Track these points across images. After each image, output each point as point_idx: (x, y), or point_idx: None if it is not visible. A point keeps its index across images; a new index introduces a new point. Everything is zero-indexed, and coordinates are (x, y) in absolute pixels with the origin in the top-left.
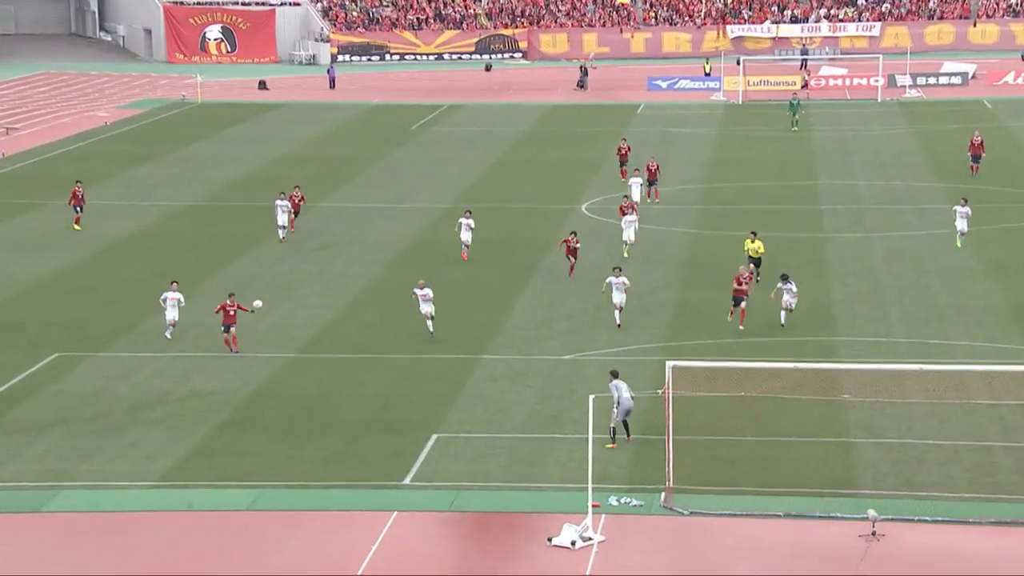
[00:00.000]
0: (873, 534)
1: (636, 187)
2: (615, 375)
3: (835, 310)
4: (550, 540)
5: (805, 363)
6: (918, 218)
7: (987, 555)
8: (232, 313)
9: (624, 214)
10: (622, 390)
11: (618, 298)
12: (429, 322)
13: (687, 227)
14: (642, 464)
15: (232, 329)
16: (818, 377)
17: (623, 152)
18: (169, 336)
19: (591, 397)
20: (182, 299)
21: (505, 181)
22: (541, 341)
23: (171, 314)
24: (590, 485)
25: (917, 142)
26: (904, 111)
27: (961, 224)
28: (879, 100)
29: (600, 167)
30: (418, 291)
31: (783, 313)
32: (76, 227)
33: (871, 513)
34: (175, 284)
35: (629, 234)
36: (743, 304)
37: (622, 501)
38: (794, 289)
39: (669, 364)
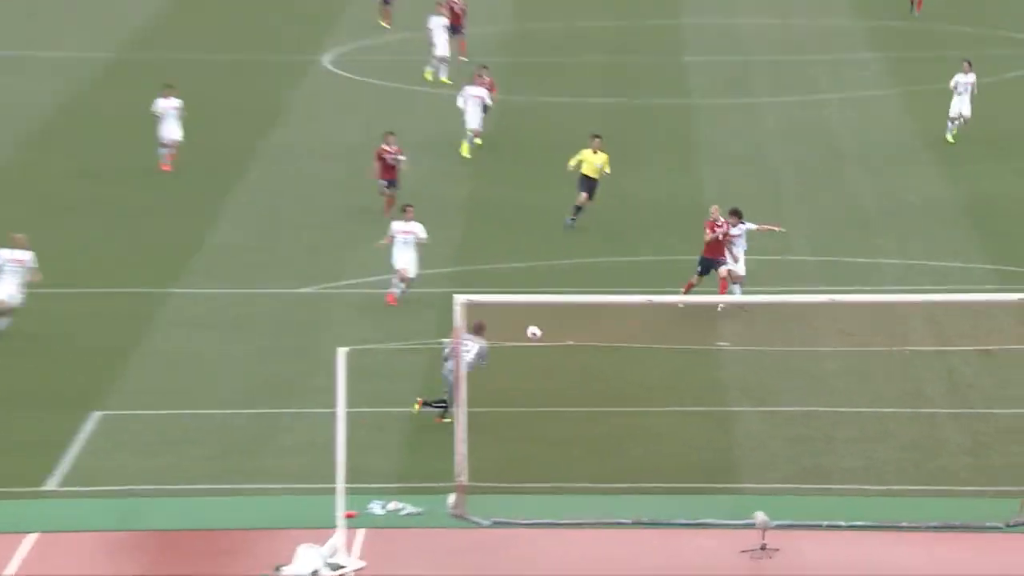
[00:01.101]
0: (762, 548)
1: (440, 32)
2: (478, 329)
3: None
4: (279, 570)
5: (662, 296)
6: (830, 75)
7: (922, 574)
8: None
9: (475, 82)
10: (471, 348)
11: (404, 260)
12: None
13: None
14: (421, 452)
15: None
16: (682, 316)
17: None
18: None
19: (342, 351)
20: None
21: (199, 18)
22: (263, 267)
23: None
24: (341, 485)
25: None
26: None
27: (960, 105)
28: None
29: None
30: (5, 256)
31: (736, 287)
32: None
33: (759, 517)
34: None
35: (473, 119)
36: (723, 271)
37: (391, 508)
38: (748, 228)
39: (459, 299)
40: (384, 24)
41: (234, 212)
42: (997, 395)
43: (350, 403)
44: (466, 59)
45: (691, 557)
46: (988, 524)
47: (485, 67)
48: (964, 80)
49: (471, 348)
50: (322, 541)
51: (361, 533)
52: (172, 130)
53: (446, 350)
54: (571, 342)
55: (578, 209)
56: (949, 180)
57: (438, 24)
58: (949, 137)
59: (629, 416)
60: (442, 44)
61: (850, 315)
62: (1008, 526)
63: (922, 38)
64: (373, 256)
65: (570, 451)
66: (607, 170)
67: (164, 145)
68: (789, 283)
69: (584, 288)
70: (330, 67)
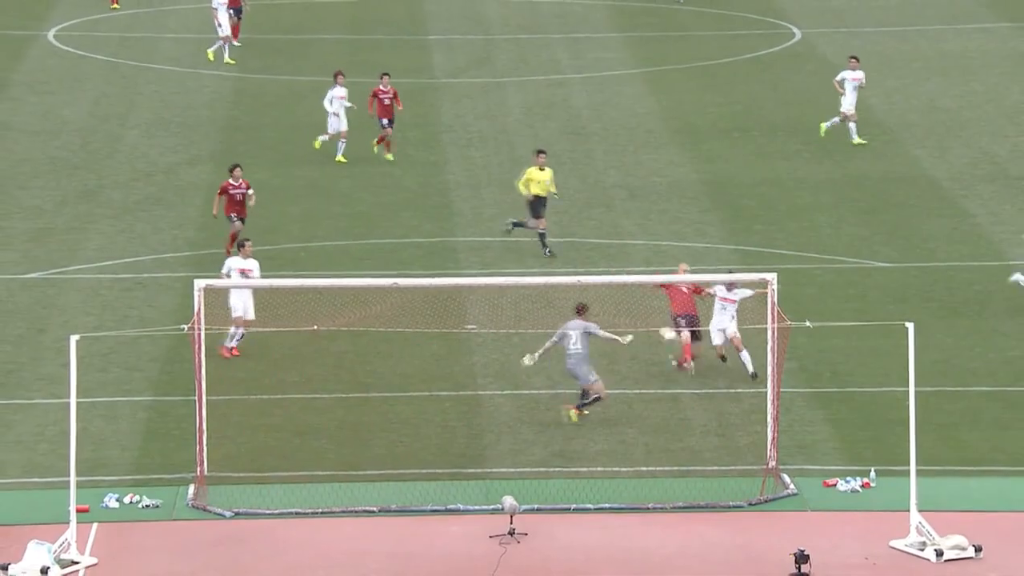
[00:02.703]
0: (511, 533)
1: (224, 11)
2: (580, 311)
3: (453, 197)
4: (7, 568)
5: (409, 279)
6: (571, 54)
7: (669, 553)
8: None
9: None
10: (569, 335)
11: (243, 301)
12: None
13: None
14: (158, 441)
15: None
16: (430, 299)
17: None
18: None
19: (73, 339)
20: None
21: None
22: None
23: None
24: (73, 478)
25: None
26: None
27: (849, 102)
28: None
29: None
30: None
31: (745, 358)
32: None
33: (507, 502)
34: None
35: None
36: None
37: (128, 501)
38: (743, 297)
39: (199, 284)
40: (113, 5)
41: None
42: (741, 375)
43: (83, 393)
44: (238, 43)
45: (440, 543)
46: (732, 504)
47: (386, 74)
48: (852, 76)
49: (575, 337)
50: (54, 537)
51: (95, 527)
52: None
53: (553, 340)
54: (317, 327)
55: (519, 224)
56: (692, 161)
57: (221, 3)
58: (823, 127)
59: (375, 402)
60: (226, 24)
61: (596, 296)
62: (750, 504)
63: (664, 18)
64: (106, 240)
65: (315, 439)
66: (553, 190)
67: None
68: (535, 266)
69: (330, 271)
70: (54, 42)
